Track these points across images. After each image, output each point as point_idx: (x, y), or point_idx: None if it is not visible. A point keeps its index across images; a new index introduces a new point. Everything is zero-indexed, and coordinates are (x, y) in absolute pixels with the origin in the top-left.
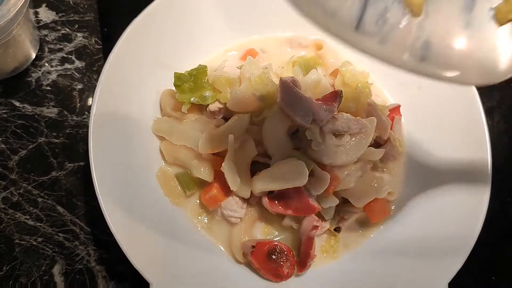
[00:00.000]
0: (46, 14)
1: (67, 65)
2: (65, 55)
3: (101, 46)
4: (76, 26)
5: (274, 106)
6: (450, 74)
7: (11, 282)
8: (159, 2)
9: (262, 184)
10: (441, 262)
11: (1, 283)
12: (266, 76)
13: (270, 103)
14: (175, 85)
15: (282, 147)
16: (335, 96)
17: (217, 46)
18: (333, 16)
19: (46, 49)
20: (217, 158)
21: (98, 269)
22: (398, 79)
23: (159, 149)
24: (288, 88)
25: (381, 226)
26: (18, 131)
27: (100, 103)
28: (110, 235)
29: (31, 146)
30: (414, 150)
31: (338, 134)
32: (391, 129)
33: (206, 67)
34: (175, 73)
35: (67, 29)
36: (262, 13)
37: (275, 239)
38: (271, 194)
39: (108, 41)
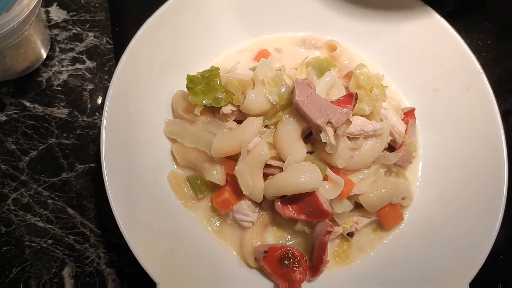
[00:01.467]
0: (57, 14)
1: (78, 65)
2: (76, 55)
3: (112, 46)
4: (87, 25)
5: (288, 109)
6: None
7: (21, 284)
8: (172, 3)
9: (275, 188)
10: (460, 263)
11: (12, 285)
12: (280, 78)
13: (284, 105)
14: (187, 87)
15: (295, 151)
16: (350, 98)
17: (229, 46)
18: None
19: (57, 49)
20: (229, 161)
21: (108, 271)
22: (413, 82)
23: (171, 151)
24: (304, 89)
25: (396, 231)
26: (29, 131)
27: (112, 104)
28: (121, 237)
29: (41, 147)
30: (429, 154)
31: (352, 138)
32: (405, 133)
33: (218, 69)
34: (187, 75)
35: (78, 29)
36: (274, 13)
37: (287, 243)
38: (284, 198)
39: (120, 41)
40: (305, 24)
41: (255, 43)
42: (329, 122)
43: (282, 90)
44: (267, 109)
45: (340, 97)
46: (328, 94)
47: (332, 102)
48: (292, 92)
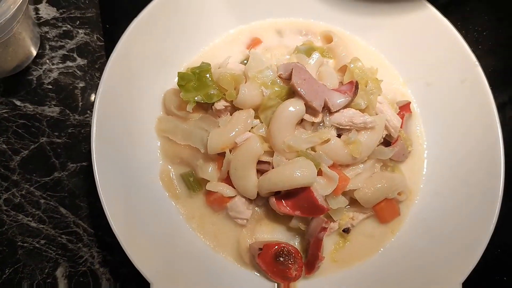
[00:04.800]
0: (46, 11)
1: (69, 63)
2: (66, 53)
3: (103, 43)
4: (78, 22)
5: (280, 104)
6: None
7: (14, 285)
8: None
9: (269, 184)
10: (453, 263)
11: (4, 286)
12: (272, 70)
13: (277, 100)
14: (178, 85)
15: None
16: (351, 86)
17: (221, 37)
18: None
19: (47, 47)
20: (222, 158)
21: (102, 271)
22: (408, 75)
23: (162, 148)
24: (301, 71)
25: (393, 239)
26: (20, 131)
27: (102, 102)
28: (114, 236)
29: (32, 146)
30: (425, 148)
31: (341, 128)
32: (401, 127)
33: (209, 64)
34: (178, 72)
35: (68, 26)
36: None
37: (282, 240)
38: (278, 195)
39: (110, 37)
40: (302, 12)
41: (246, 29)
42: (325, 105)
43: (274, 83)
44: (261, 102)
45: (341, 85)
46: (317, 73)
47: (333, 89)
48: (290, 73)
